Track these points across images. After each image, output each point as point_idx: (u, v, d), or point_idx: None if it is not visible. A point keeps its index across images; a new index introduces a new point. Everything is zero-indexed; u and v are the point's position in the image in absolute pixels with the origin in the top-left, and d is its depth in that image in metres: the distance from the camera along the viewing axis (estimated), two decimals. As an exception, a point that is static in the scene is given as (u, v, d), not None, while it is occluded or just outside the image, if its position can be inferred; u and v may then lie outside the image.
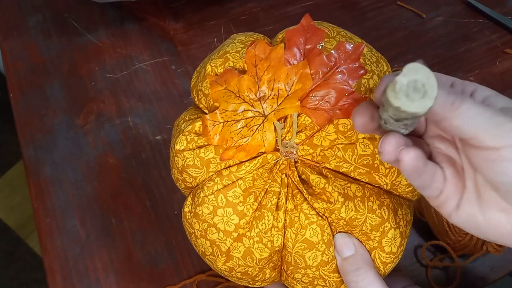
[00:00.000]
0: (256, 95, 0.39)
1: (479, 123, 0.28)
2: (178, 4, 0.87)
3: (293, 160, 0.40)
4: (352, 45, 0.38)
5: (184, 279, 0.61)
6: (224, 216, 0.40)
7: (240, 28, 0.83)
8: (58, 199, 0.67)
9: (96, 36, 0.83)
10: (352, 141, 0.40)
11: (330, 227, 0.40)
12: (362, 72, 0.38)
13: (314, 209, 0.40)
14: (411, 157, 0.30)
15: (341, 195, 0.39)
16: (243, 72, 0.40)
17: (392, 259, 0.41)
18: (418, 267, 0.61)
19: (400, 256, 0.42)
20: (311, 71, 0.38)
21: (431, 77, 0.26)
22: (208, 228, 0.41)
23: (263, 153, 0.40)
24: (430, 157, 0.34)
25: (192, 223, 0.42)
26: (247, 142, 0.39)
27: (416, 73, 0.26)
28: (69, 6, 0.88)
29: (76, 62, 0.81)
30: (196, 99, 0.44)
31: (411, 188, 0.42)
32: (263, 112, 0.39)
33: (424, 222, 0.62)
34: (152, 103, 0.75)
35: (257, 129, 0.39)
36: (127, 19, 0.85)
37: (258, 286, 0.45)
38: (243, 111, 0.39)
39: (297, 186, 0.40)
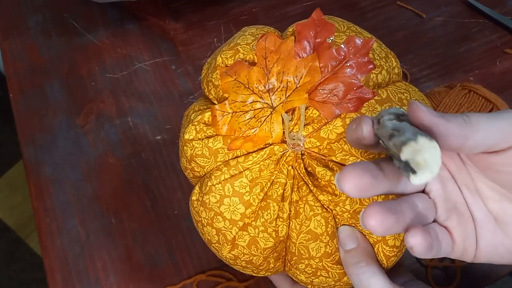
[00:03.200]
0: (265, 87, 0.40)
1: (496, 128, 0.30)
2: (178, 4, 0.88)
3: (299, 152, 0.41)
4: (361, 40, 0.39)
5: (184, 279, 0.61)
6: (231, 205, 0.41)
7: (240, 28, 0.83)
8: (58, 199, 0.68)
9: (96, 36, 0.84)
10: None
11: (335, 220, 0.41)
12: (371, 66, 0.39)
13: (319, 201, 0.41)
14: (418, 242, 0.31)
15: None
16: (253, 64, 0.41)
17: (396, 253, 0.42)
18: (418, 267, 0.62)
19: (403, 250, 0.43)
20: (320, 65, 0.39)
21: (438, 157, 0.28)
22: (215, 217, 0.42)
23: (271, 144, 0.41)
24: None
25: (199, 211, 0.44)
26: (254, 133, 0.40)
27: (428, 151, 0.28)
28: (69, 6, 0.89)
29: (76, 62, 0.82)
30: (206, 90, 0.45)
31: None
32: (272, 103, 0.40)
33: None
34: (152, 103, 0.76)
35: (265, 120, 0.40)
36: (127, 19, 0.86)
37: (262, 275, 0.46)
38: (251, 102, 0.40)
39: (303, 178, 0.41)
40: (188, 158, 0.44)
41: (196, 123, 0.43)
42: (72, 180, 0.69)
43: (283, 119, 0.40)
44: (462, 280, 0.61)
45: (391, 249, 0.41)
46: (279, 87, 0.40)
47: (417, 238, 0.31)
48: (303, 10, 0.86)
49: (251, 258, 0.43)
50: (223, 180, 0.41)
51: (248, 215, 0.41)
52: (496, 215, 0.34)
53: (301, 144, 0.41)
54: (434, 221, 0.36)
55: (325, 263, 0.42)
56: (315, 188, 0.41)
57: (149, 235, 0.65)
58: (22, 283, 1.56)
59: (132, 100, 0.76)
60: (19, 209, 1.68)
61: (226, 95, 0.42)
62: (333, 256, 0.41)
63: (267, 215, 0.41)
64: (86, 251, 0.64)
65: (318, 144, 0.41)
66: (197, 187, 0.45)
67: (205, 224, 0.44)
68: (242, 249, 0.42)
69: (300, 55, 0.40)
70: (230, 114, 0.41)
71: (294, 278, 0.45)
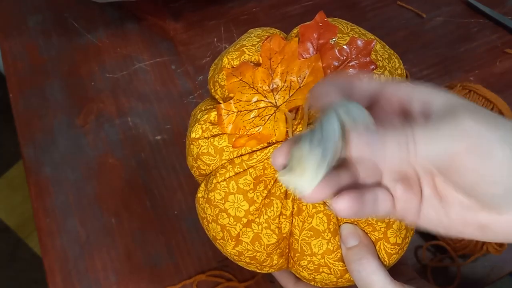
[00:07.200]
0: (269, 87, 0.42)
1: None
2: (178, 4, 0.89)
3: None
4: (363, 41, 0.41)
5: (184, 279, 0.62)
6: (235, 202, 0.43)
7: (240, 28, 0.85)
8: (58, 199, 0.69)
9: (96, 36, 0.86)
10: None
11: (337, 217, 0.42)
12: (372, 67, 0.41)
13: (322, 198, 0.42)
14: (346, 206, 0.32)
15: None
16: (258, 64, 0.43)
17: (397, 250, 0.43)
18: (418, 267, 0.63)
19: (405, 248, 0.44)
20: (323, 65, 0.41)
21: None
22: (219, 213, 0.43)
23: (274, 143, 0.42)
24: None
25: (205, 208, 0.45)
26: (259, 131, 0.42)
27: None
28: (69, 6, 0.90)
29: (76, 62, 0.83)
30: (212, 90, 0.47)
31: None
32: (275, 103, 0.42)
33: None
34: (152, 103, 0.77)
35: (268, 119, 0.42)
36: (127, 19, 0.87)
37: (266, 272, 0.48)
38: (256, 101, 0.42)
39: None
40: (194, 156, 0.45)
41: (202, 122, 0.45)
42: (72, 180, 0.70)
43: (286, 118, 0.41)
44: (462, 280, 0.62)
45: (392, 247, 0.42)
46: (283, 87, 0.41)
47: (344, 202, 0.32)
48: (303, 10, 0.88)
49: (254, 254, 0.44)
50: (228, 178, 0.43)
51: (252, 212, 0.43)
52: (441, 194, 0.34)
53: None
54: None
55: (327, 260, 0.43)
56: (317, 186, 0.42)
57: (149, 235, 0.66)
58: (22, 283, 1.57)
59: (132, 100, 0.77)
60: (19, 209, 1.69)
61: (231, 95, 0.43)
62: (335, 253, 0.43)
63: (270, 212, 0.42)
64: (86, 251, 0.65)
65: (321, 142, 0.42)
66: (202, 185, 0.46)
67: (210, 221, 0.45)
68: (246, 245, 0.44)
69: (304, 55, 0.41)
70: (235, 113, 0.42)
71: (297, 275, 0.47)
